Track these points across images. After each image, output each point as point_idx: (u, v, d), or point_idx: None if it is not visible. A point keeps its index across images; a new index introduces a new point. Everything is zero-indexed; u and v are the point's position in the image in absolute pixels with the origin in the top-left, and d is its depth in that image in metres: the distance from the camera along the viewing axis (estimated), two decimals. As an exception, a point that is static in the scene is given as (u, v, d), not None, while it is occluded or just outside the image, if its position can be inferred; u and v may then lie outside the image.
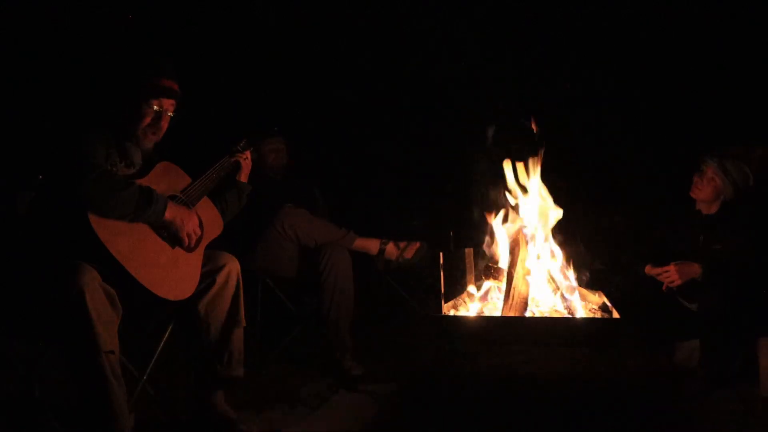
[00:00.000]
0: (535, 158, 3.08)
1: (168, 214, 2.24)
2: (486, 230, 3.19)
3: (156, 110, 2.33)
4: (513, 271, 2.89)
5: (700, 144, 3.24)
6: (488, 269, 3.11)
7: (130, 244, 2.16)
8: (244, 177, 2.87)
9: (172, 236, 2.30)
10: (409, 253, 3.40)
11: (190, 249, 2.38)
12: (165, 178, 2.40)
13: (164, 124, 2.37)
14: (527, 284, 2.88)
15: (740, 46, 4.53)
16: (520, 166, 3.13)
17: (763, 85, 4.41)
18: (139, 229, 2.22)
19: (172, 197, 2.39)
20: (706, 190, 3.04)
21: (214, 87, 4.58)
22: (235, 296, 2.47)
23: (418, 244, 3.42)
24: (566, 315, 2.87)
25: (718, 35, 4.57)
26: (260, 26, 4.85)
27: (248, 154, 2.88)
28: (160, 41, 4.25)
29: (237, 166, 2.84)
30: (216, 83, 4.61)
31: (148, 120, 2.34)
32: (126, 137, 2.34)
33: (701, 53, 4.64)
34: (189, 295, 2.32)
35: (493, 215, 3.16)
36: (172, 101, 2.37)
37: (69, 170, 2.11)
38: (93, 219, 2.08)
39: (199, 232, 2.38)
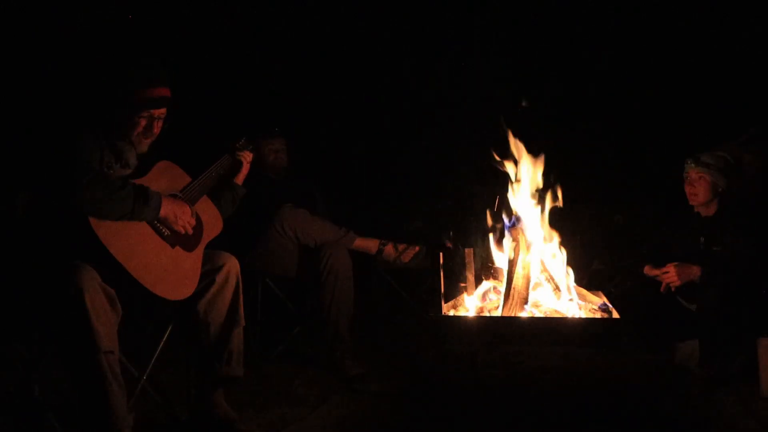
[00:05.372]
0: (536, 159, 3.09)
1: (163, 211, 2.25)
2: (486, 230, 3.19)
3: (148, 118, 2.34)
4: (512, 271, 2.89)
5: (701, 144, 3.24)
6: (488, 269, 3.11)
7: (131, 244, 2.16)
8: (240, 179, 2.87)
9: (169, 229, 2.31)
10: (406, 257, 3.39)
11: (189, 247, 2.38)
12: (164, 178, 2.40)
13: (157, 130, 2.38)
14: (527, 284, 2.88)
15: (739, 49, 4.53)
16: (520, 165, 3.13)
17: (760, 85, 4.42)
18: (139, 229, 2.22)
19: (172, 196, 2.39)
20: (702, 192, 3.04)
21: (215, 87, 4.58)
22: (235, 296, 2.47)
23: (417, 248, 3.42)
24: (566, 315, 2.87)
25: (719, 35, 4.58)
26: (261, 26, 4.85)
27: (247, 154, 2.87)
28: (160, 41, 4.25)
29: (237, 165, 2.84)
30: (216, 83, 4.61)
31: (140, 129, 2.34)
32: (120, 138, 2.34)
33: (702, 55, 4.64)
34: (189, 295, 2.32)
35: (492, 215, 3.16)
36: (163, 109, 2.37)
37: (62, 177, 2.10)
38: (93, 221, 2.08)
39: (193, 222, 2.39)
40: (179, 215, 2.32)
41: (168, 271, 2.26)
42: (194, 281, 2.36)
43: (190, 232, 2.37)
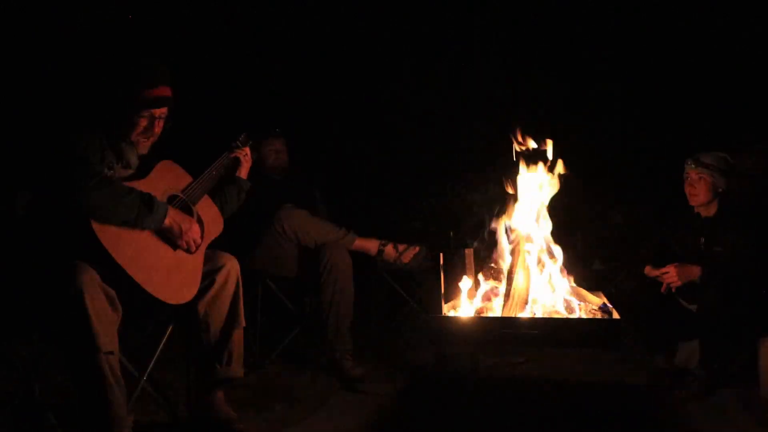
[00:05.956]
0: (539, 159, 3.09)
1: (167, 221, 2.25)
2: (486, 231, 3.19)
3: (149, 118, 2.33)
4: (513, 271, 2.89)
5: (701, 144, 3.24)
6: (488, 270, 3.12)
7: (133, 248, 2.16)
8: (244, 173, 2.87)
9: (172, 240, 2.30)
10: (406, 258, 3.39)
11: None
12: (166, 177, 2.40)
13: (158, 129, 2.37)
14: (527, 284, 2.88)
15: (739, 49, 4.54)
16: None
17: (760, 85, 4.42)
18: (141, 232, 2.21)
19: (174, 197, 2.39)
20: (702, 192, 3.04)
21: (216, 86, 4.59)
22: (235, 296, 2.47)
23: (417, 249, 3.41)
24: (566, 315, 2.87)
25: (719, 35, 4.58)
26: (261, 26, 4.85)
27: (248, 150, 2.87)
28: (160, 41, 4.25)
29: (237, 162, 2.84)
30: (217, 82, 4.61)
31: (141, 128, 2.33)
32: (120, 138, 2.34)
33: (702, 55, 4.65)
34: (190, 298, 2.32)
35: (493, 216, 3.16)
36: (164, 109, 2.36)
37: (65, 178, 2.10)
38: (95, 224, 2.07)
39: (199, 241, 2.38)
40: (186, 230, 2.31)
41: (170, 274, 2.26)
42: (196, 283, 2.36)
43: (193, 249, 2.36)
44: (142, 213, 2.16)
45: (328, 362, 3.14)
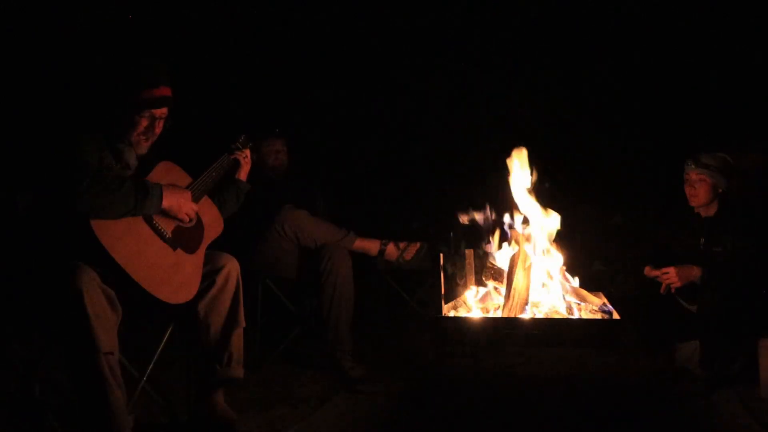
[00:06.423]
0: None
1: (165, 202, 2.26)
2: (486, 231, 3.19)
3: (149, 118, 2.33)
4: (513, 271, 2.89)
5: (701, 144, 3.24)
6: (489, 270, 3.11)
7: (133, 248, 2.16)
8: (243, 175, 2.87)
9: (171, 225, 2.30)
10: (408, 255, 3.39)
11: (191, 249, 2.38)
12: (166, 178, 2.39)
13: (158, 130, 2.37)
14: (527, 285, 2.88)
15: (739, 49, 4.54)
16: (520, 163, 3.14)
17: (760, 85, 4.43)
18: (141, 232, 2.22)
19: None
20: (702, 193, 3.04)
21: (215, 86, 4.59)
22: (235, 297, 2.47)
23: (418, 245, 3.41)
24: (566, 316, 2.87)
25: (719, 35, 4.58)
26: (261, 26, 4.85)
27: (248, 152, 2.87)
28: (160, 41, 4.25)
29: (237, 164, 2.84)
30: (217, 82, 4.61)
31: (141, 129, 2.33)
32: (120, 139, 2.34)
33: (702, 55, 4.65)
34: (191, 298, 2.33)
35: (495, 215, 3.16)
36: (164, 109, 2.36)
37: (62, 179, 2.10)
38: (95, 224, 2.08)
39: (195, 207, 2.39)
40: (181, 203, 2.32)
41: (170, 275, 2.26)
42: (196, 283, 2.36)
43: (194, 219, 2.37)
44: (140, 199, 2.17)
45: (328, 362, 3.15)
